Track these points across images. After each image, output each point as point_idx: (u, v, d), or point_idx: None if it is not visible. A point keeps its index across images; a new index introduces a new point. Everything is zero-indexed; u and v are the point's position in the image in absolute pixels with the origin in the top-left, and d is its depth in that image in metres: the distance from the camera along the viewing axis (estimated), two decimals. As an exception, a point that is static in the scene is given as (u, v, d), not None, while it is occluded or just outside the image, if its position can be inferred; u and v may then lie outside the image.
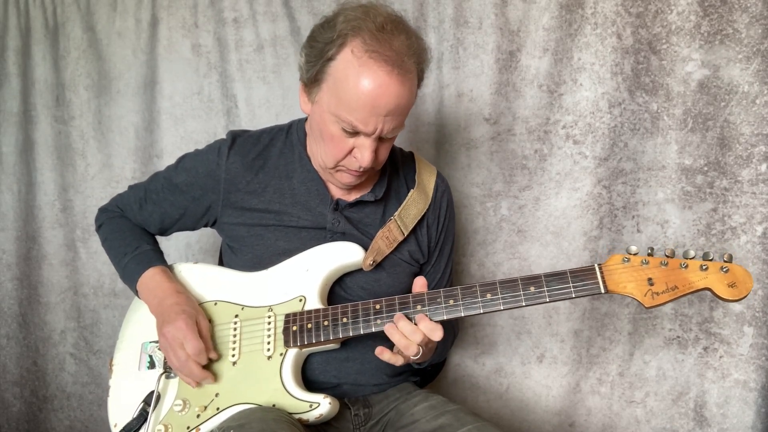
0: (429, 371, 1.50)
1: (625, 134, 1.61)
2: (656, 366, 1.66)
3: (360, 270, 1.20)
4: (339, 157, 1.12)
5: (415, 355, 1.05)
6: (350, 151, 1.11)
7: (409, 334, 1.05)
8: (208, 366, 1.15)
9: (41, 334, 2.09)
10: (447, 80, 1.73)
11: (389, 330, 1.06)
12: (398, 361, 1.08)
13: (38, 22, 1.99)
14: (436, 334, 1.04)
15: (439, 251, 1.32)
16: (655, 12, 1.56)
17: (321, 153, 1.15)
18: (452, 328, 1.36)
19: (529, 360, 1.76)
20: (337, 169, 1.15)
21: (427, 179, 1.30)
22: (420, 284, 1.12)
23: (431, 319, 1.06)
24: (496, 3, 1.66)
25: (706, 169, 1.56)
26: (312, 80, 1.10)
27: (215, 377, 1.15)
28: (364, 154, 1.09)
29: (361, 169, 1.12)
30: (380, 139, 1.10)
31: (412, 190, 1.26)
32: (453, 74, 1.72)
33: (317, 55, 1.07)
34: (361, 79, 1.01)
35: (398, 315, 1.07)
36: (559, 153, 1.67)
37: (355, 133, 1.08)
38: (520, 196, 1.72)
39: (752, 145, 1.52)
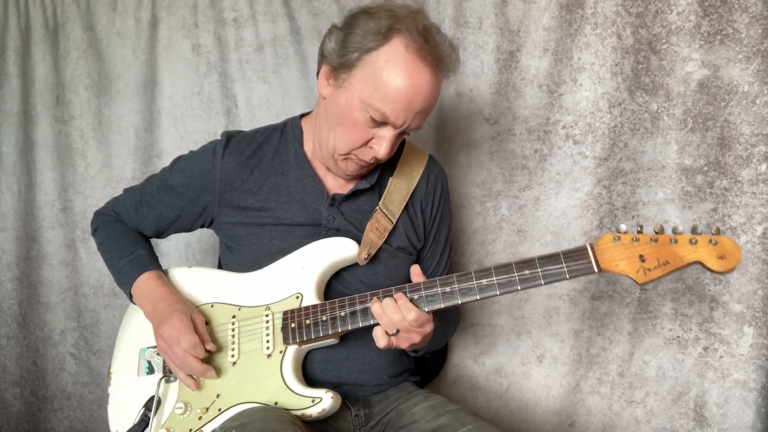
0: (429, 369, 1.50)
1: (625, 134, 1.61)
2: (656, 366, 1.66)
3: (357, 264, 1.21)
4: (355, 145, 1.12)
5: (393, 335, 1.07)
6: (367, 142, 1.12)
7: (387, 309, 1.06)
8: (209, 361, 1.15)
9: (41, 334, 2.09)
10: (447, 80, 1.72)
11: (372, 303, 1.08)
12: (380, 340, 1.07)
13: (38, 22, 1.99)
14: (411, 314, 1.05)
15: (435, 235, 1.32)
16: (655, 12, 1.56)
17: (335, 138, 1.14)
18: (453, 316, 1.37)
19: (529, 360, 1.76)
20: (347, 157, 1.15)
21: (415, 164, 1.30)
22: (416, 273, 1.13)
23: (411, 300, 1.07)
24: (496, 3, 1.66)
25: (706, 169, 1.56)
26: (344, 65, 1.09)
27: (216, 378, 1.15)
28: (382, 146, 1.10)
29: (373, 161, 1.14)
30: (399, 133, 1.12)
31: (391, 178, 1.26)
32: (453, 74, 1.71)
33: (357, 42, 1.07)
34: (406, 73, 1.04)
35: (385, 294, 1.09)
36: (559, 153, 1.67)
37: (380, 124, 1.09)
38: (520, 196, 1.72)
39: (752, 145, 1.52)
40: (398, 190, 1.26)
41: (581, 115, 1.64)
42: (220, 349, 1.17)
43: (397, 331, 1.06)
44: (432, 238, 1.32)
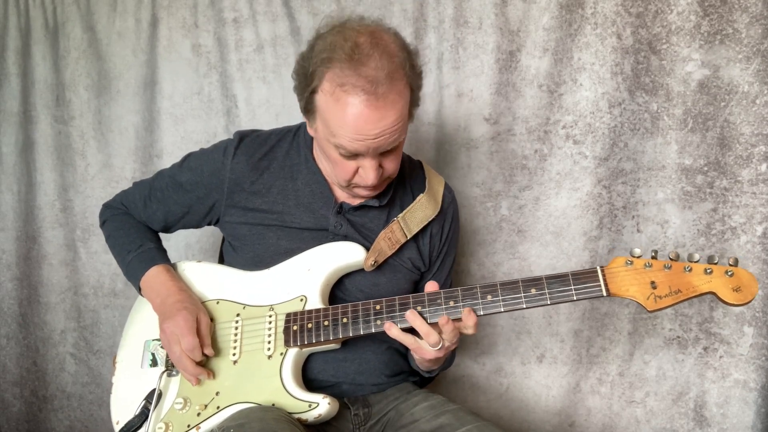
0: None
1: (625, 134, 1.61)
2: (656, 366, 1.66)
3: (359, 272, 1.21)
4: (348, 177, 1.12)
5: (435, 346, 1.06)
6: (356, 171, 1.12)
7: (447, 334, 1.06)
8: (207, 363, 1.16)
9: (41, 334, 2.09)
10: (447, 80, 1.72)
11: (410, 316, 1.06)
12: (429, 354, 1.08)
13: (38, 22, 1.99)
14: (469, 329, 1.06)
15: (440, 262, 1.32)
16: (655, 12, 1.56)
17: (332, 174, 1.17)
18: None
19: (529, 360, 1.76)
20: (352, 186, 1.16)
21: (436, 187, 1.30)
22: (430, 287, 1.12)
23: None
24: (496, 3, 1.66)
25: (706, 169, 1.56)
26: (305, 110, 1.12)
27: (215, 375, 1.15)
28: (368, 174, 1.10)
29: (375, 183, 1.12)
30: (383, 154, 1.10)
31: (421, 195, 1.26)
32: (453, 74, 1.72)
33: (302, 88, 1.09)
34: (341, 112, 1.02)
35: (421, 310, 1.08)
36: (559, 153, 1.67)
37: (354, 156, 1.09)
38: (520, 196, 1.72)
39: (752, 145, 1.52)
40: (424, 208, 1.25)
41: (581, 115, 1.64)
42: (219, 354, 1.17)
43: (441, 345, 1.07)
44: (438, 264, 1.32)
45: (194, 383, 1.15)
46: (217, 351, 1.17)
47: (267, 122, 1.85)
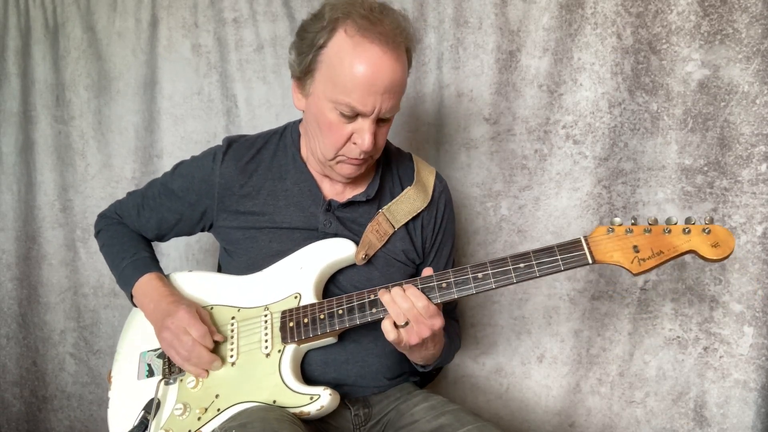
0: (431, 373, 1.50)
1: (625, 134, 1.61)
2: (656, 366, 1.66)
3: (352, 267, 1.21)
4: (339, 144, 1.12)
5: (403, 325, 1.05)
6: (349, 138, 1.11)
7: (397, 297, 1.05)
8: (216, 352, 1.16)
9: (41, 334, 2.09)
10: (447, 80, 1.73)
11: (381, 294, 1.07)
12: (389, 333, 1.05)
13: (38, 22, 2.00)
14: (420, 301, 1.04)
15: (436, 252, 1.32)
16: (655, 12, 1.56)
17: (320, 145, 1.15)
18: (455, 334, 1.36)
19: (529, 360, 1.76)
20: (338, 160, 1.15)
21: (427, 179, 1.30)
22: (426, 273, 1.11)
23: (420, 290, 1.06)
24: (496, 3, 1.66)
25: (706, 169, 1.56)
26: (304, 72, 1.11)
27: (214, 378, 1.15)
28: (364, 138, 1.10)
29: (362, 156, 1.13)
30: (377, 123, 1.11)
31: (408, 187, 1.26)
32: (453, 74, 1.72)
33: (308, 45, 1.09)
34: (356, 59, 1.04)
35: (393, 285, 1.08)
36: (559, 153, 1.67)
37: (353, 117, 1.09)
38: (520, 196, 1.72)
39: (752, 145, 1.52)
40: (411, 200, 1.25)
41: (581, 115, 1.64)
42: (217, 354, 1.17)
43: (407, 323, 1.04)
44: (433, 256, 1.31)
45: (204, 376, 1.15)
46: (215, 350, 1.17)
47: (267, 122, 1.85)
